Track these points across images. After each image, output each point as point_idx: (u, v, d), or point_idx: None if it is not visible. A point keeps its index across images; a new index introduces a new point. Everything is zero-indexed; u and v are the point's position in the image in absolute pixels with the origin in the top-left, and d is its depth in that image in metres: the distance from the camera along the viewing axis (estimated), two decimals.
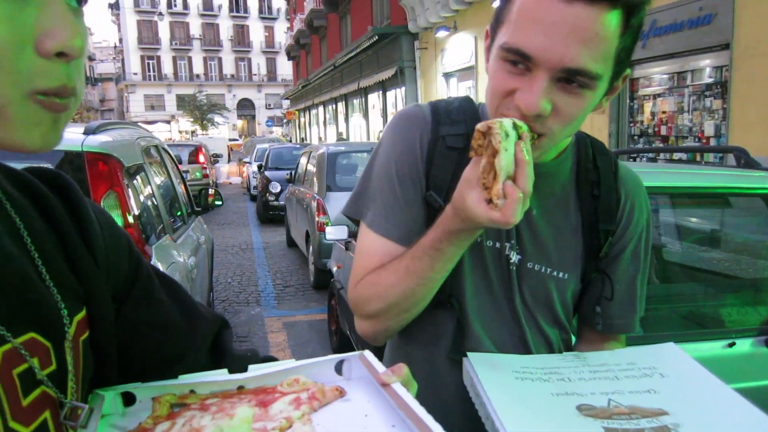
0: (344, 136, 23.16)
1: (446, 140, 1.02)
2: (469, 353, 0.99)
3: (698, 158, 6.71)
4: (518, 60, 0.85)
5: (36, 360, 0.56)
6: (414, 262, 0.94)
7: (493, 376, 0.92)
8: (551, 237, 1.05)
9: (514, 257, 1.04)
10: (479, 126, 0.79)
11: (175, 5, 53.29)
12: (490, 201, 0.79)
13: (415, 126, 1.05)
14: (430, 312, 1.02)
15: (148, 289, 0.75)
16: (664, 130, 8.08)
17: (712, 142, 7.09)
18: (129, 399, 0.65)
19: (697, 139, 7.43)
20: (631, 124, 8.77)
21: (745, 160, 2.61)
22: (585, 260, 1.08)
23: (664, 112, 8.09)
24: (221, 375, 0.67)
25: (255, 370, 0.68)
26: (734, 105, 6.54)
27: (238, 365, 0.68)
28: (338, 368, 0.71)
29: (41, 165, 0.70)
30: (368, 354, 0.70)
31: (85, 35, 0.53)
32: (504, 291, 1.05)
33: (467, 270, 1.03)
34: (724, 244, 3.30)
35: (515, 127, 0.80)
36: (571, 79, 0.83)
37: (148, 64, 53.27)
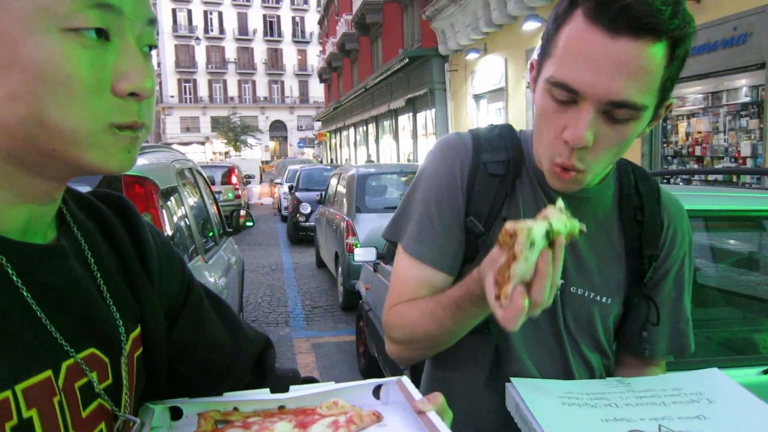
0: (372, 159, 23.39)
1: (487, 167, 1.04)
2: (512, 378, 0.99)
3: (734, 179, 6.57)
4: (565, 93, 0.86)
5: (95, 374, 0.60)
6: (438, 309, 0.96)
7: (540, 401, 0.92)
8: (594, 262, 1.06)
9: (559, 281, 1.06)
10: (508, 226, 0.76)
11: (212, 30, 54.72)
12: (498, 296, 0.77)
13: (456, 153, 1.07)
14: (467, 338, 1.02)
15: (197, 309, 0.79)
16: (698, 151, 7.95)
17: (749, 163, 6.94)
18: (176, 413, 0.69)
19: (733, 160, 7.29)
20: (665, 145, 8.65)
21: None
22: (628, 285, 1.08)
23: (699, 132, 7.97)
24: (263, 394, 0.71)
25: (296, 390, 0.71)
26: None
27: (279, 385, 0.71)
28: (376, 393, 0.73)
29: (102, 189, 0.75)
30: (405, 380, 0.73)
31: (155, 77, 0.59)
32: (547, 315, 1.05)
33: None
34: (760, 268, 3.23)
35: (547, 234, 0.76)
36: (616, 111, 0.85)
37: (185, 87, 54.64)
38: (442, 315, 0.95)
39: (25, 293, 0.55)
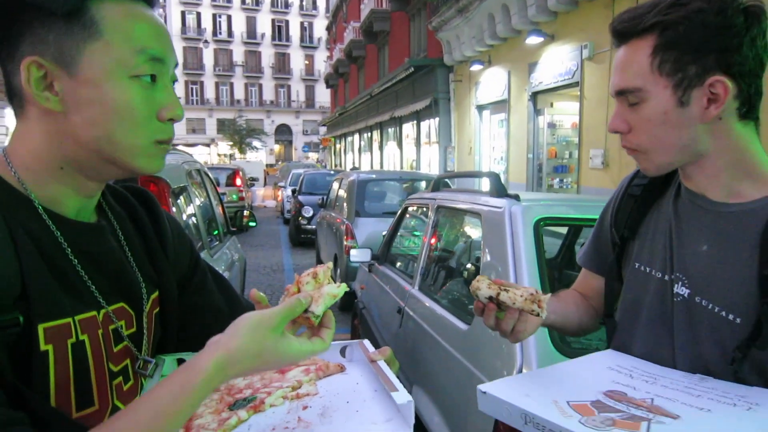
0: (357, 166, 24.23)
1: (629, 189, 1.27)
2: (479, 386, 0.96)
3: None
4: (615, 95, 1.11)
5: (123, 322, 0.81)
6: None
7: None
8: (732, 279, 1.01)
9: (684, 291, 1.07)
10: None
11: (220, 33, 55.29)
12: None
13: (620, 183, 1.33)
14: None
15: (202, 280, 1.00)
16: None
17: None
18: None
19: None
20: None
21: None
22: (760, 309, 0.98)
23: None
24: None
25: None
26: None
27: None
28: (343, 352, 0.95)
29: (132, 184, 0.96)
30: (366, 342, 0.94)
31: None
32: (661, 325, 1.09)
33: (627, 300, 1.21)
34: None
35: None
36: (627, 97, 1.06)
37: (192, 88, 55.17)
38: None
39: (71, 257, 0.74)
